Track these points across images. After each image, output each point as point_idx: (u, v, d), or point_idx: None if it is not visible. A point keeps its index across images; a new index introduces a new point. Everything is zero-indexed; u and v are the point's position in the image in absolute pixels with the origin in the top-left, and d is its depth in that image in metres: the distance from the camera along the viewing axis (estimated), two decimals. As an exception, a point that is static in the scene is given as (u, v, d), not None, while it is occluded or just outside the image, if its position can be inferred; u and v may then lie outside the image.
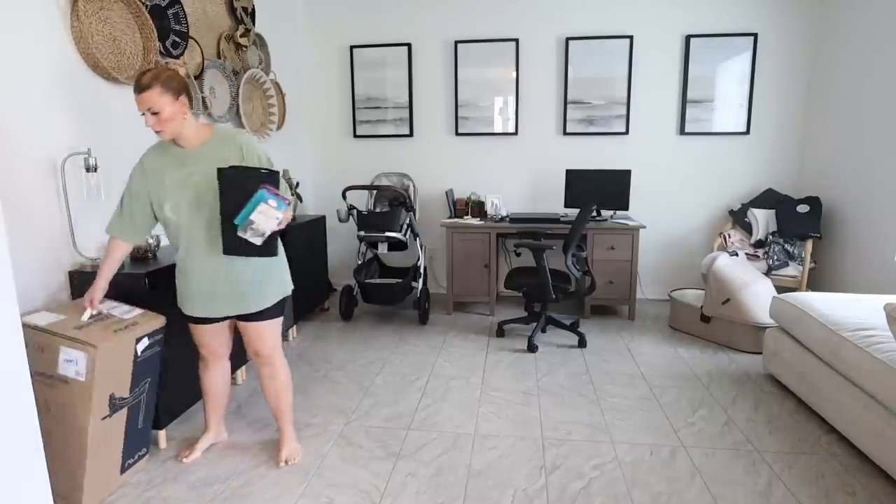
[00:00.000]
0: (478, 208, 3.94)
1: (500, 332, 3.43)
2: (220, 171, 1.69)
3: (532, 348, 3.14)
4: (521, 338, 3.36)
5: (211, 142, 1.82)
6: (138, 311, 1.92)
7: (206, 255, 1.81)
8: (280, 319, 2.00)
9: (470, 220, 3.80)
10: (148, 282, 2.01)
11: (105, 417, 1.77)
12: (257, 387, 2.69)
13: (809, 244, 3.47)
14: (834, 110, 3.59)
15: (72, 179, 2.07)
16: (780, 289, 3.62)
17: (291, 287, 2.04)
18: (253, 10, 3.37)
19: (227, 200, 1.69)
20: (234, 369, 2.65)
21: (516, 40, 4.01)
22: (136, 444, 1.95)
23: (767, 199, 3.79)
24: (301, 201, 3.78)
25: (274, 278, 1.93)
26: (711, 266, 3.24)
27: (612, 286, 3.68)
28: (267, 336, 1.96)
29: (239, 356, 2.68)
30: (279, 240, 1.89)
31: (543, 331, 3.46)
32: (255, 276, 1.86)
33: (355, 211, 3.56)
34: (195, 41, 2.83)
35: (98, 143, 2.21)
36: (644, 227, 3.65)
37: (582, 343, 3.20)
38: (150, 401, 1.98)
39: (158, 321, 1.93)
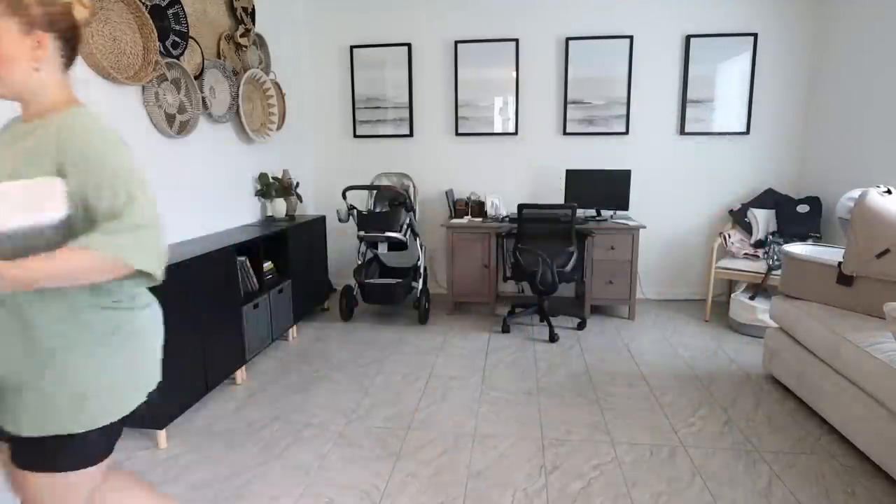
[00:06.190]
0: (478, 208, 3.94)
1: (506, 328, 3.47)
2: None
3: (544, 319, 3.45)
4: (522, 337, 3.36)
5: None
6: None
7: None
8: (76, 475, 1.03)
9: (470, 220, 3.81)
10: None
11: None
12: (257, 387, 2.69)
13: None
14: (834, 110, 3.59)
15: (72, 179, 2.07)
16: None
17: (117, 413, 1.06)
18: (253, 10, 3.37)
19: None
20: (233, 368, 2.65)
21: (516, 40, 4.01)
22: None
23: (767, 199, 3.79)
24: (301, 201, 3.78)
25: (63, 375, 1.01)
26: (859, 205, 2.29)
27: (612, 286, 3.67)
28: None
29: (237, 354, 2.69)
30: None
31: (542, 318, 3.51)
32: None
33: (355, 211, 3.56)
34: (195, 41, 2.83)
35: (98, 143, 2.21)
36: (644, 227, 3.65)
37: (581, 325, 3.52)
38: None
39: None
